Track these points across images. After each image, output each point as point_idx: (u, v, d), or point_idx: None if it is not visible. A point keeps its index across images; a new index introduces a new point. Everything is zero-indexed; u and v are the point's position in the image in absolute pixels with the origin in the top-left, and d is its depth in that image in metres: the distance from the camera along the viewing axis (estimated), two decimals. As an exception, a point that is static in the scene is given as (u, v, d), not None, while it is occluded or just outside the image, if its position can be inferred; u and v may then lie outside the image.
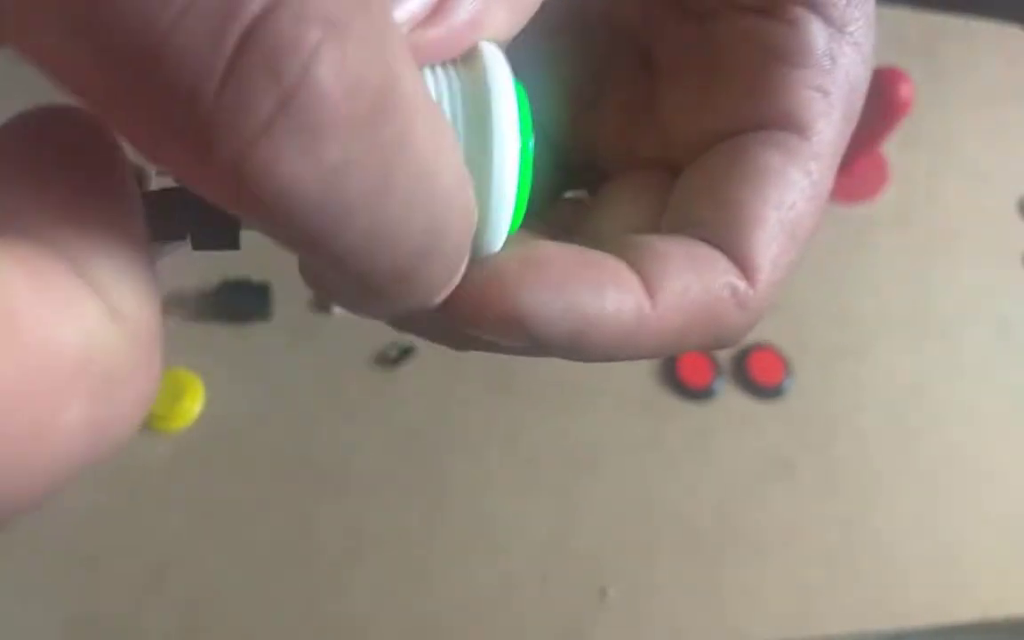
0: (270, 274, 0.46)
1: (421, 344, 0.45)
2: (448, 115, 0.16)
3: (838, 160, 0.19)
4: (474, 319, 0.16)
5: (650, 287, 0.17)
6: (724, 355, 0.46)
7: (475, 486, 0.42)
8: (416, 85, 0.12)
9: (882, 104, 0.49)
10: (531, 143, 0.17)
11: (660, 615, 0.39)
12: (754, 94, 0.19)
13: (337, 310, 0.46)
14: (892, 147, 0.53)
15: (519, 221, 0.17)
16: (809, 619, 0.39)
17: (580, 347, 0.16)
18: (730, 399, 0.45)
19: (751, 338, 0.46)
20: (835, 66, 0.18)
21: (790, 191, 0.18)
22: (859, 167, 0.54)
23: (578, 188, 0.21)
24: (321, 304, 0.47)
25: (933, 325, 0.49)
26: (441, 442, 0.43)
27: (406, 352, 0.45)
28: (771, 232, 0.18)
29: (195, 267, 0.46)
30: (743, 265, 0.18)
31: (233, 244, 0.16)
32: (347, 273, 0.12)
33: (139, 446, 0.42)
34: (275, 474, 0.42)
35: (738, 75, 0.19)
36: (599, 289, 0.16)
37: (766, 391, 0.45)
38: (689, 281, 0.17)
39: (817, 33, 0.18)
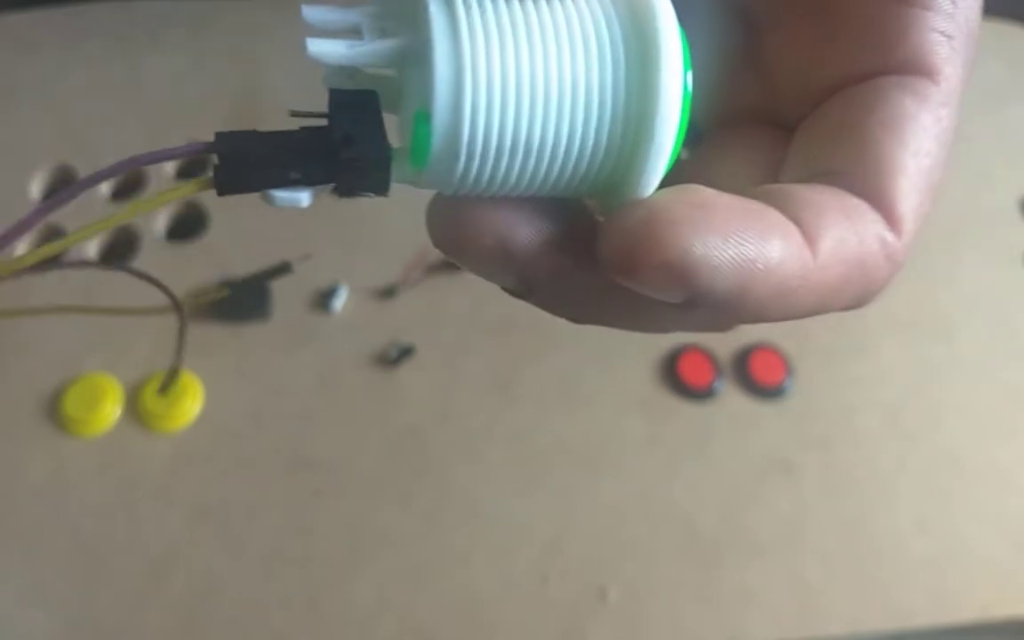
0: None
1: (421, 344, 0.45)
2: (610, 39, 0.15)
3: (959, 108, 0.18)
4: (635, 267, 0.15)
5: (809, 236, 0.16)
6: (724, 355, 0.46)
7: (475, 486, 0.42)
8: None
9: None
10: (690, 80, 0.16)
11: (660, 615, 0.39)
12: (879, 38, 0.18)
13: (337, 310, 0.46)
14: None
15: (671, 166, 0.16)
16: (809, 619, 0.39)
17: (741, 301, 0.15)
18: (730, 399, 0.45)
19: (751, 337, 0.46)
20: (956, 10, 0.18)
21: (925, 138, 0.17)
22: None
23: None
24: (320, 304, 0.46)
25: (933, 325, 0.49)
26: (441, 442, 0.43)
27: (406, 352, 0.45)
28: (913, 181, 0.17)
29: (195, 267, 0.46)
30: (889, 215, 0.17)
31: (382, 188, 0.15)
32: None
33: (139, 446, 0.42)
34: (275, 474, 0.42)
35: (858, 20, 0.18)
36: (765, 237, 0.15)
37: (767, 391, 0.45)
38: (845, 231, 0.16)
39: None
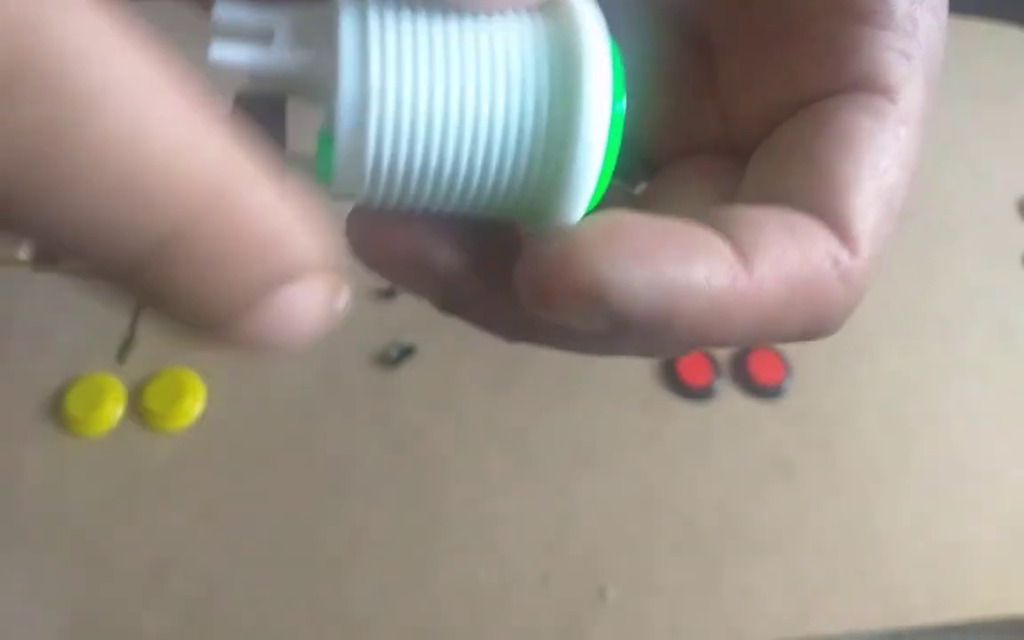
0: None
1: (421, 344, 0.45)
2: (533, 63, 0.15)
3: (925, 131, 0.17)
4: (547, 296, 0.14)
5: (743, 254, 0.15)
6: (723, 355, 0.46)
7: (475, 486, 0.42)
8: (106, 59, 0.10)
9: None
10: (623, 106, 0.15)
11: (660, 615, 0.39)
12: (834, 57, 0.17)
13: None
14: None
15: (601, 193, 0.16)
16: (809, 619, 0.39)
17: (667, 325, 0.14)
18: (730, 399, 0.45)
19: (751, 338, 0.46)
20: (916, 29, 0.17)
21: (883, 156, 0.16)
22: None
23: (621, 180, 0.19)
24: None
25: (933, 325, 0.49)
26: (441, 442, 0.43)
27: (406, 352, 0.45)
28: (868, 198, 0.16)
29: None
30: (843, 234, 0.16)
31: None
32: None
33: (139, 446, 0.42)
34: (275, 474, 0.42)
35: (812, 40, 0.17)
36: (687, 256, 0.14)
37: (766, 391, 0.45)
38: (787, 248, 0.15)
39: None
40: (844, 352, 0.47)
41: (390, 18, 0.14)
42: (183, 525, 0.40)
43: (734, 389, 0.45)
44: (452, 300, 0.17)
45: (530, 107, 0.15)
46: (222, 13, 0.15)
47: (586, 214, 0.16)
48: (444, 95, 0.14)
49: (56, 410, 0.42)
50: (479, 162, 0.15)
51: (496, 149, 0.15)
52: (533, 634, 0.39)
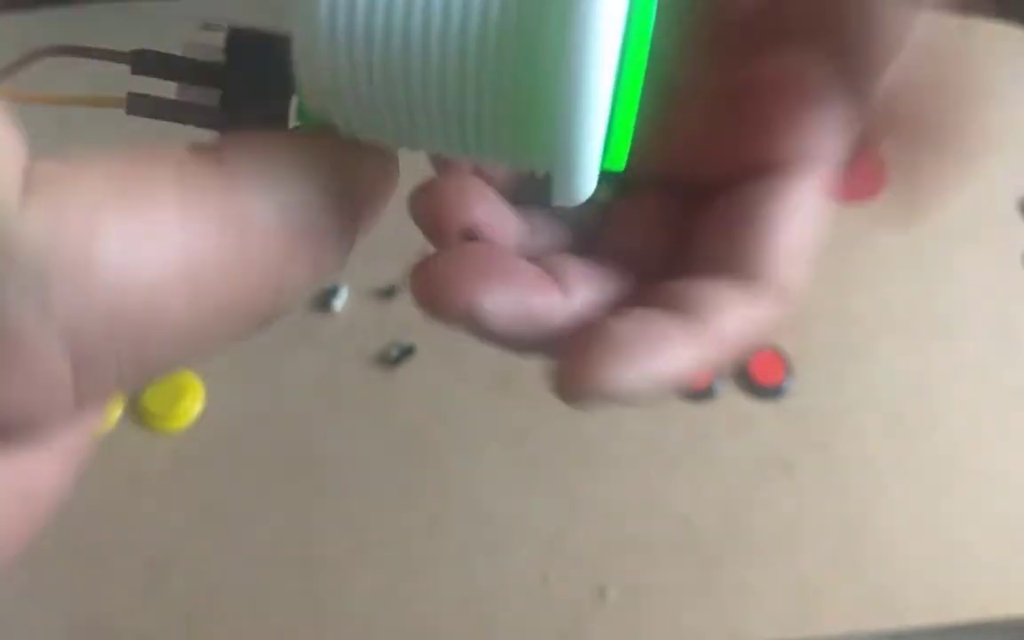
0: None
1: (421, 344, 0.45)
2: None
3: (833, 179, 0.20)
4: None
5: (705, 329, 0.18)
6: (724, 355, 0.46)
7: (475, 486, 0.42)
8: None
9: (882, 104, 0.49)
10: (645, 55, 0.12)
11: (660, 615, 0.39)
12: (788, 132, 0.19)
13: (338, 309, 0.46)
14: (892, 147, 0.53)
15: (622, 156, 0.13)
16: (809, 619, 0.39)
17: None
18: (730, 399, 0.45)
19: (751, 338, 0.46)
20: None
21: (817, 220, 0.20)
22: (859, 167, 0.54)
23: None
24: (321, 303, 0.46)
25: (933, 325, 0.49)
26: (441, 442, 0.43)
27: (406, 352, 0.45)
28: (800, 259, 0.19)
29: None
30: (778, 293, 0.19)
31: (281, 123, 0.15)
32: None
33: (139, 446, 0.42)
34: (275, 474, 0.42)
35: (771, 111, 0.19)
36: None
37: (766, 391, 0.45)
38: (743, 323, 0.18)
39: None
40: (844, 352, 0.47)
41: None
42: (182, 525, 0.40)
43: (734, 389, 0.45)
44: None
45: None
46: None
47: (612, 166, 0.13)
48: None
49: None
50: (434, 31, 0.12)
51: (473, 22, 0.12)
52: (533, 634, 0.38)
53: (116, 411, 0.42)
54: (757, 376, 0.45)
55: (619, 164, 0.13)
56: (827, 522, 0.42)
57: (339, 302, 0.46)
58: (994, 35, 0.62)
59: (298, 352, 0.45)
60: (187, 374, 0.43)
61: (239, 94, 0.14)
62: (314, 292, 0.46)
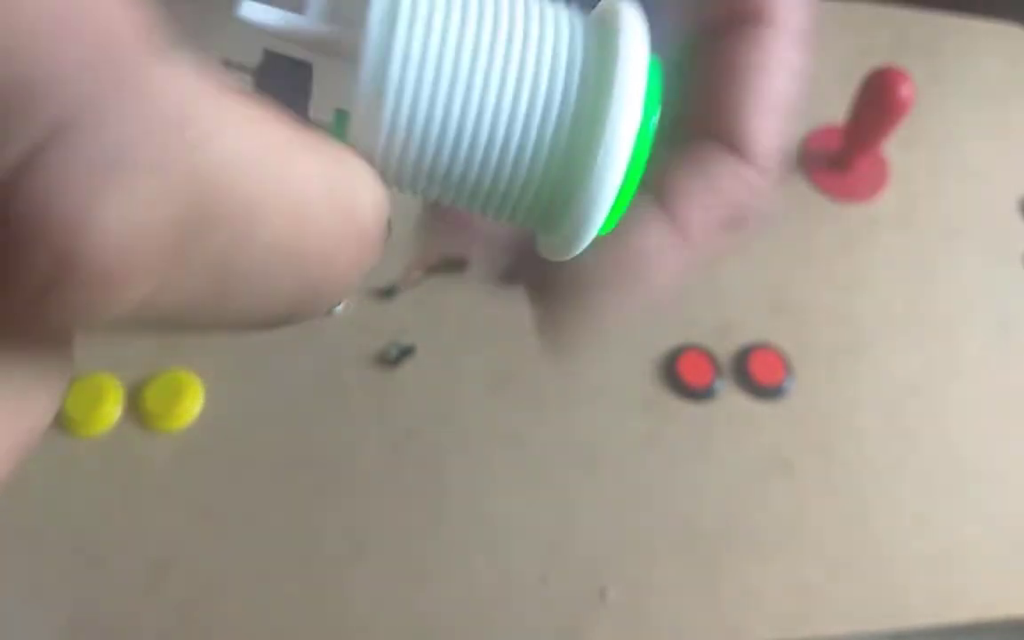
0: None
1: (421, 344, 0.45)
2: (564, 61, 0.14)
3: (805, 39, 0.20)
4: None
5: (677, 219, 0.19)
6: (724, 355, 0.46)
7: (475, 486, 0.42)
8: (260, 164, 0.11)
9: (882, 104, 0.49)
10: (654, 120, 0.15)
11: (660, 615, 0.39)
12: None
13: (338, 310, 0.46)
14: (892, 147, 0.53)
15: (626, 203, 0.15)
16: (809, 619, 0.39)
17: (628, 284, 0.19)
18: (730, 399, 0.45)
19: (751, 338, 0.46)
20: None
21: (770, 77, 0.20)
22: (859, 167, 0.54)
23: None
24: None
25: (933, 325, 0.49)
26: (441, 442, 0.43)
27: (406, 352, 0.45)
28: (765, 120, 0.20)
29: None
30: (748, 158, 0.19)
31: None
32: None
33: (139, 446, 0.42)
34: (275, 474, 0.42)
35: None
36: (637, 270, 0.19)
37: (766, 391, 0.45)
38: (711, 201, 0.19)
39: None
40: (845, 352, 0.47)
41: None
42: (182, 525, 0.40)
43: (734, 389, 0.45)
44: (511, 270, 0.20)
45: (558, 89, 0.14)
46: None
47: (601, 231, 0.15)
48: (461, 107, 0.14)
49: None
50: (498, 141, 0.14)
51: (518, 126, 0.14)
52: (533, 634, 0.38)
53: (115, 411, 0.42)
54: (757, 376, 0.45)
55: (607, 230, 0.16)
56: (827, 522, 0.42)
57: (339, 302, 0.46)
58: (994, 35, 0.62)
59: (298, 352, 0.45)
60: (186, 374, 0.43)
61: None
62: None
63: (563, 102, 0.14)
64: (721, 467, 0.43)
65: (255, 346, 0.45)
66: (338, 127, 0.14)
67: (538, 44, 0.14)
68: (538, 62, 0.14)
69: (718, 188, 0.19)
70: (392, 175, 0.15)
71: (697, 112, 0.20)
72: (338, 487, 0.41)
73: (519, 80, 0.14)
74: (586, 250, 0.15)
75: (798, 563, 0.41)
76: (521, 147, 0.14)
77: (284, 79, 0.15)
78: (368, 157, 0.14)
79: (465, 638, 0.38)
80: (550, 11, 0.15)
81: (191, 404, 0.42)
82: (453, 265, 0.47)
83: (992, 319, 0.49)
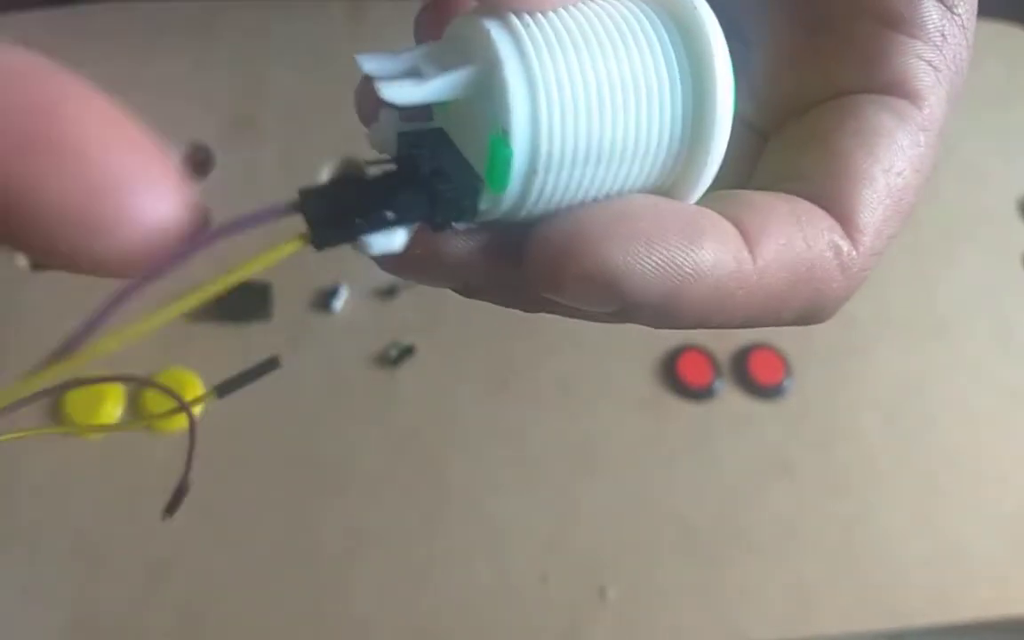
0: (270, 274, 0.46)
1: (421, 344, 0.45)
2: (665, 42, 0.16)
3: (940, 142, 0.18)
4: (554, 280, 0.15)
5: (750, 239, 0.15)
6: (724, 355, 0.46)
7: (475, 486, 0.42)
8: None
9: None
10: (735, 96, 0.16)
11: (660, 615, 0.39)
12: (865, 57, 0.17)
13: (338, 310, 0.46)
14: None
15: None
16: (809, 619, 0.39)
17: (674, 308, 0.15)
18: (730, 398, 0.45)
19: (751, 338, 0.46)
20: (945, 43, 0.18)
21: (900, 157, 0.17)
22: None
23: None
24: (322, 304, 0.46)
25: (933, 325, 0.49)
26: (441, 442, 0.43)
27: (406, 352, 0.45)
28: (879, 194, 0.17)
29: (193, 268, 0.46)
30: (847, 224, 0.16)
31: (471, 214, 0.16)
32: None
33: (139, 446, 0.42)
34: (275, 474, 0.42)
35: (844, 38, 0.18)
36: (695, 240, 0.15)
37: (766, 391, 0.45)
38: (792, 235, 0.16)
39: (931, 7, 0.17)
40: (844, 352, 0.47)
41: (525, 18, 0.15)
42: (183, 525, 0.40)
43: (734, 389, 0.45)
44: (470, 286, 0.17)
45: (667, 86, 0.16)
46: (367, 65, 0.15)
47: None
48: (595, 76, 0.15)
49: (55, 411, 0.42)
50: (632, 137, 0.15)
51: (644, 124, 0.16)
52: (533, 634, 0.39)
53: (116, 412, 0.42)
54: (757, 376, 0.45)
55: None
56: (827, 522, 0.42)
57: (339, 302, 0.46)
58: (994, 35, 0.62)
59: (298, 352, 0.45)
60: (187, 374, 0.43)
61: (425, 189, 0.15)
62: (313, 292, 0.46)
63: (672, 89, 0.16)
64: (721, 467, 0.43)
65: (255, 346, 0.45)
66: (499, 150, 0.15)
67: (637, 39, 0.16)
68: (642, 56, 0.16)
69: (810, 249, 0.16)
70: (547, 193, 0.16)
71: (810, 167, 0.17)
72: (338, 487, 0.41)
73: (633, 72, 0.16)
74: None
75: (798, 563, 0.41)
76: (648, 141, 0.16)
77: (430, 149, 0.16)
78: (533, 151, 0.15)
79: (465, 638, 0.38)
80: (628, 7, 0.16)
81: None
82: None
83: (992, 319, 0.49)
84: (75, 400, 0.42)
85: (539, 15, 0.15)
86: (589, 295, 0.15)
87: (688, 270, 0.15)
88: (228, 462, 0.42)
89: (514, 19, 0.15)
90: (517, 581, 0.39)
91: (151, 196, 0.13)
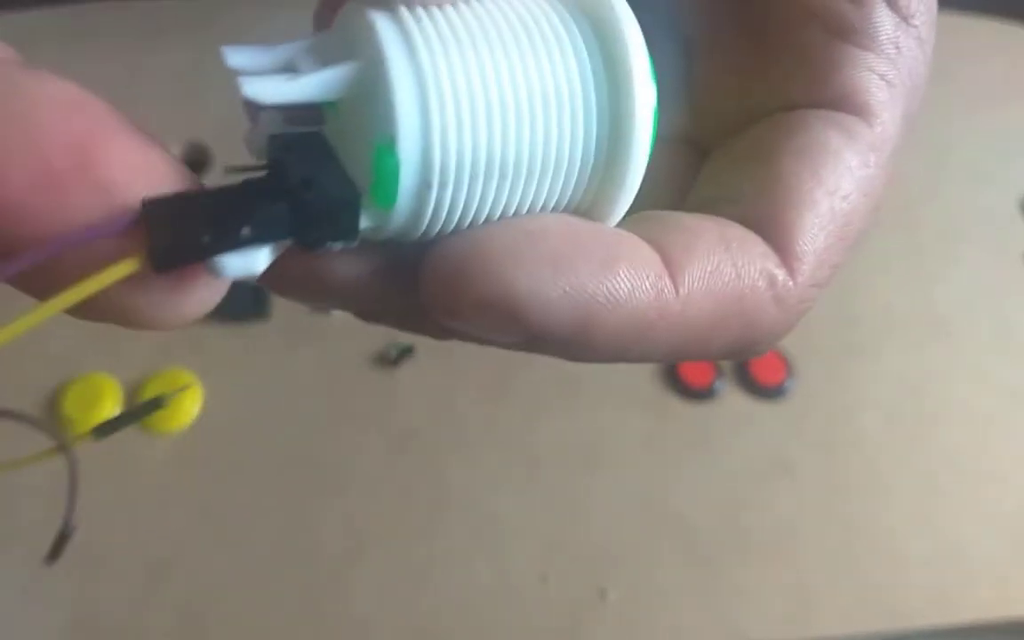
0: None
1: (421, 344, 0.45)
2: (573, 52, 0.14)
3: (893, 164, 0.16)
4: (449, 306, 0.13)
5: (672, 267, 0.14)
6: (724, 355, 0.46)
7: (475, 486, 0.42)
8: None
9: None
10: (656, 104, 0.15)
11: (660, 615, 0.39)
12: (814, 70, 0.16)
13: (336, 310, 0.46)
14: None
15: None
16: (810, 619, 0.39)
17: (585, 341, 0.13)
18: (731, 399, 0.45)
19: (751, 338, 0.46)
20: (900, 56, 0.16)
21: (847, 178, 0.15)
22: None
23: None
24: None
25: (934, 325, 0.49)
26: (441, 442, 0.43)
27: (406, 352, 0.45)
28: (822, 219, 0.15)
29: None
30: (784, 252, 0.15)
31: (351, 235, 0.13)
32: None
33: (138, 446, 0.42)
34: (274, 474, 0.42)
35: (791, 51, 0.16)
36: (609, 265, 0.13)
37: (767, 391, 0.45)
38: (720, 261, 0.14)
39: (884, 16, 0.16)
40: (846, 352, 0.47)
41: (418, 11, 0.14)
42: (183, 525, 0.40)
43: (735, 389, 0.45)
44: (365, 311, 0.16)
45: (579, 92, 0.14)
46: (232, 58, 0.13)
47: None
48: (496, 77, 0.13)
49: (53, 410, 0.42)
50: (539, 148, 0.14)
51: (554, 133, 0.14)
52: (533, 634, 0.38)
53: (113, 411, 0.42)
54: (758, 376, 0.45)
55: None
56: (827, 522, 0.42)
57: (339, 302, 0.46)
58: (994, 34, 0.62)
59: (297, 352, 0.45)
60: (185, 374, 0.43)
61: (303, 196, 0.13)
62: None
63: (584, 91, 0.14)
64: (721, 467, 0.43)
65: (255, 346, 0.45)
66: (384, 159, 0.13)
67: (544, 36, 0.14)
68: (550, 55, 0.14)
69: (740, 278, 0.14)
70: (443, 211, 0.14)
71: (748, 187, 0.15)
72: (338, 487, 0.41)
73: (540, 73, 0.14)
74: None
75: (798, 563, 0.41)
76: (559, 142, 0.14)
77: (303, 155, 0.13)
78: (425, 161, 0.13)
79: (465, 638, 0.38)
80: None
81: (189, 405, 0.42)
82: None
83: (992, 319, 0.49)
84: (73, 400, 0.42)
85: (434, 9, 0.14)
86: (490, 324, 0.13)
87: (601, 299, 0.13)
88: (227, 462, 0.42)
89: (404, 11, 0.13)
90: (517, 581, 0.39)
91: None
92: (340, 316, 0.46)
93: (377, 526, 0.40)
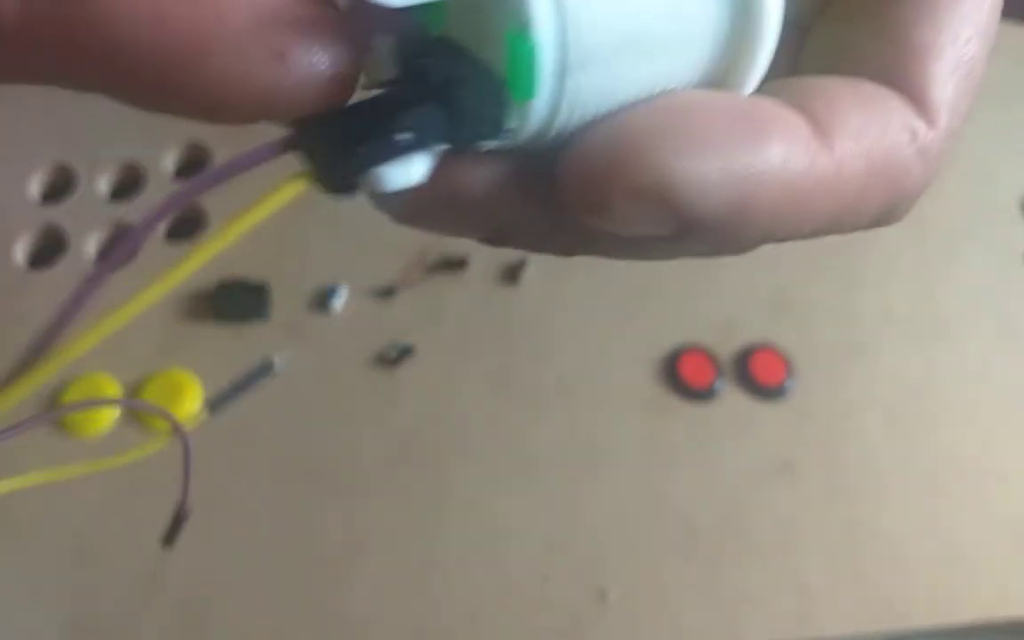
0: (268, 274, 0.46)
1: (421, 344, 0.45)
2: None
3: (997, 18, 0.16)
4: (599, 200, 0.12)
5: (820, 129, 0.13)
6: (725, 355, 0.46)
7: (475, 486, 0.42)
8: None
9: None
10: None
11: (660, 615, 0.39)
12: None
13: (337, 309, 0.46)
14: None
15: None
16: (810, 619, 0.39)
17: (742, 221, 0.13)
18: (731, 399, 0.45)
19: (752, 338, 0.46)
20: None
21: (965, 24, 0.15)
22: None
23: None
24: (320, 304, 0.46)
25: (934, 325, 0.49)
26: (441, 442, 0.43)
27: (405, 352, 0.45)
28: (948, 67, 0.15)
29: (192, 268, 0.46)
30: (920, 104, 0.14)
31: (497, 128, 0.13)
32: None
33: (137, 447, 0.42)
34: (274, 474, 0.42)
35: None
36: (761, 136, 0.12)
37: (768, 391, 0.45)
38: (865, 120, 0.13)
39: None
40: (846, 352, 0.47)
41: None
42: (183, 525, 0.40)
43: (736, 389, 0.45)
44: (498, 230, 0.14)
45: None
46: None
47: None
48: None
49: (53, 410, 0.42)
50: (674, 17, 0.13)
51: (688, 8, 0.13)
52: (533, 634, 0.38)
53: (114, 412, 0.42)
54: (758, 376, 0.45)
55: None
56: (827, 522, 0.42)
57: (338, 302, 0.46)
58: (997, 33, 0.61)
59: (297, 352, 0.45)
60: (185, 374, 0.43)
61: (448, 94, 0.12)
62: (312, 292, 0.46)
63: None
64: (722, 467, 0.43)
65: (253, 346, 0.45)
66: (519, 47, 0.12)
67: None
68: None
69: (885, 135, 0.14)
70: (584, 97, 0.13)
71: (868, 48, 0.15)
72: (338, 487, 0.41)
73: None
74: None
75: (798, 563, 0.41)
76: (692, 22, 0.13)
77: (437, 58, 0.13)
78: (560, 42, 0.12)
79: (465, 638, 0.38)
80: None
81: (189, 404, 0.42)
82: (453, 265, 0.47)
83: (993, 319, 0.49)
84: (74, 399, 0.42)
85: None
86: (642, 215, 0.12)
87: (757, 173, 0.12)
88: (227, 462, 0.42)
89: None
90: (517, 581, 0.39)
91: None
92: (339, 316, 0.46)
93: (377, 526, 0.40)
